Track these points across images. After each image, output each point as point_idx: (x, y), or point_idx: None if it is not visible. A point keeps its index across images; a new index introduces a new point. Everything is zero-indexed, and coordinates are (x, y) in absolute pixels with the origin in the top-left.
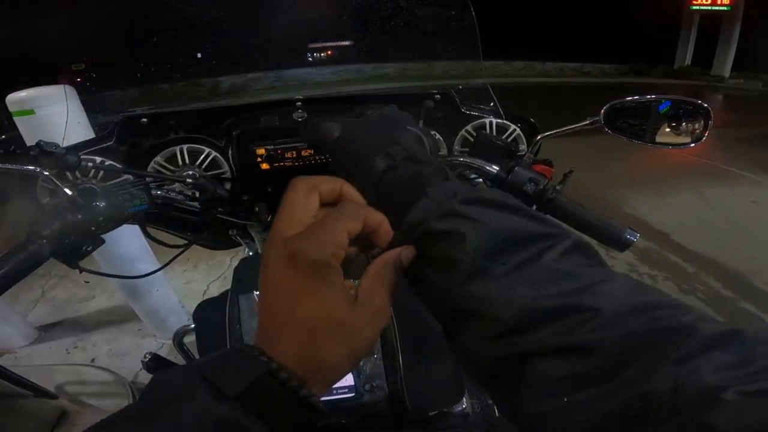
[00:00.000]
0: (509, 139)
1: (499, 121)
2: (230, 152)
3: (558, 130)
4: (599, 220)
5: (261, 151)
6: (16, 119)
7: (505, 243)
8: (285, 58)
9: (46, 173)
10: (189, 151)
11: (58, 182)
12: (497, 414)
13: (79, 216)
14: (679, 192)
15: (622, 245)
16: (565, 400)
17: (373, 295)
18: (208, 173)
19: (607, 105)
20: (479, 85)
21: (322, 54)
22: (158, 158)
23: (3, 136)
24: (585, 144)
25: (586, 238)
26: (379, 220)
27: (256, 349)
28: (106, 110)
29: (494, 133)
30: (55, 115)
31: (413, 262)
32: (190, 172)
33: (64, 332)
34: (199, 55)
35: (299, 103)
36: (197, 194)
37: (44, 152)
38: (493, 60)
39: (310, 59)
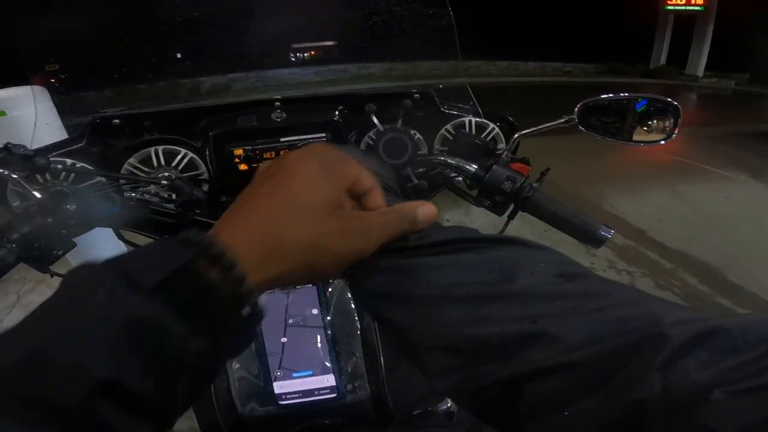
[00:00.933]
0: (488, 138)
1: (478, 119)
2: (207, 153)
3: (535, 129)
4: (575, 217)
5: (239, 151)
6: None
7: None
8: (267, 59)
9: (15, 176)
10: (164, 152)
11: (26, 185)
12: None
13: (49, 219)
14: (654, 189)
15: (598, 242)
16: (565, 414)
17: (363, 217)
18: (185, 174)
19: (581, 103)
20: (459, 85)
21: (305, 54)
22: (132, 160)
23: None
24: (562, 143)
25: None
26: (369, 185)
27: (194, 233)
28: (80, 112)
29: (473, 131)
30: (27, 116)
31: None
32: (166, 174)
33: None
34: (179, 56)
35: (278, 103)
36: (173, 196)
37: (12, 154)
38: (476, 60)
39: (293, 59)
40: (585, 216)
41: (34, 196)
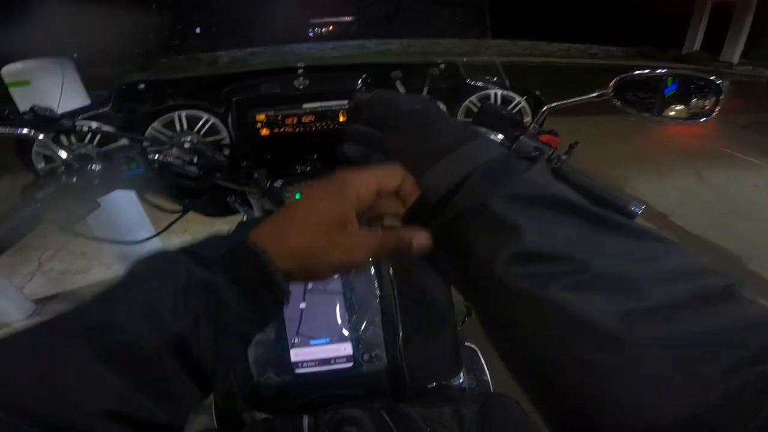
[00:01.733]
0: (514, 111)
1: (504, 92)
2: (229, 118)
3: (565, 102)
4: (604, 191)
5: (261, 116)
6: (11, 90)
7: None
8: (285, 33)
9: (41, 137)
10: (187, 117)
11: (53, 146)
12: (491, 389)
13: (74, 180)
14: (680, 174)
15: (628, 216)
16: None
17: (359, 236)
18: (207, 139)
19: (618, 77)
20: (486, 62)
21: (323, 29)
22: (156, 124)
23: None
24: (588, 125)
25: None
26: (398, 179)
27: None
28: (103, 84)
29: (499, 104)
30: (51, 85)
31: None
32: (188, 138)
33: (60, 306)
34: (197, 30)
35: (301, 71)
36: (195, 159)
37: (39, 116)
38: (498, 39)
39: (311, 34)
40: (615, 190)
41: (60, 156)
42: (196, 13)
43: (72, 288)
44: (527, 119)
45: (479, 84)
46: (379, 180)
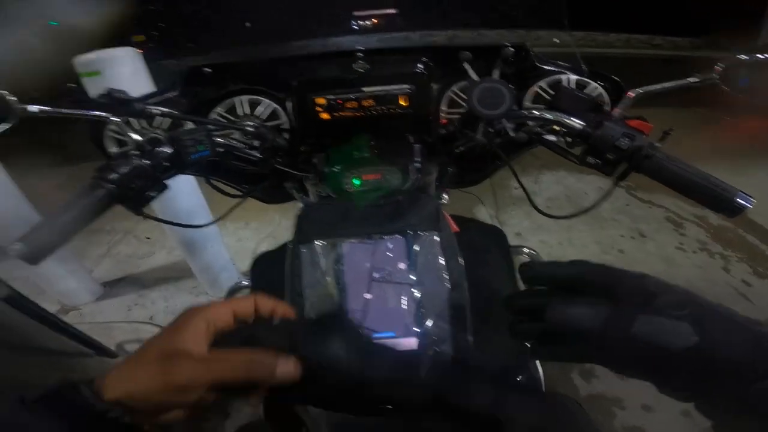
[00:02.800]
0: (593, 95)
1: (578, 77)
2: (289, 103)
3: (656, 86)
4: (706, 180)
5: (321, 101)
6: (83, 80)
7: None
8: (330, 26)
9: (116, 119)
10: (249, 102)
11: (126, 127)
12: (543, 389)
13: (145, 161)
14: (762, 169)
15: (734, 210)
16: None
17: (198, 361)
18: (267, 124)
19: (726, 62)
20: (555, 47)
21: (368, 22)
22: (218, 109)
23: (73, 84)
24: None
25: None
26: (251, 306)
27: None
28: (164, 75)
29: (574, 87)
30: (121, 76)
31: None
32: (250, 123)
33: (126, 289)
34: (247, 24)
35: (360, 54)
36: (256, 143)
37: (113, 99)
38: (548, 29)
39: (356, 27)
40: (718, 180)
41: (132, 138)
42: (245, 8)
43: (137, 271)
44: (606, 106)
45: (549, 68)
46: (233, 307)
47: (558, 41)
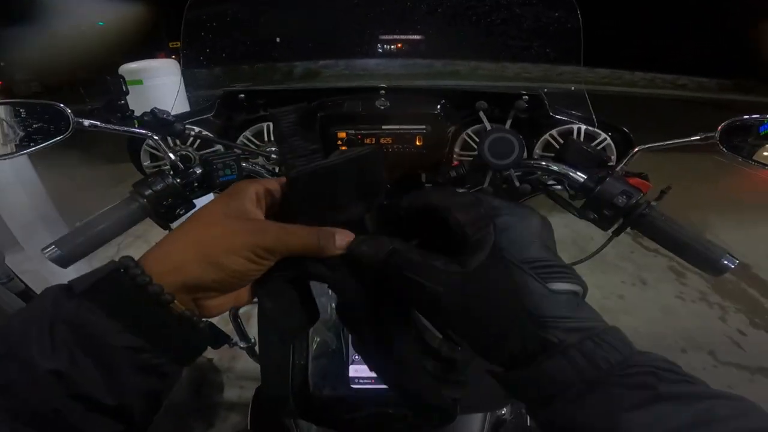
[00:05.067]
0: (599, 148)
1: (588, 128)
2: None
3: (661, 144)
4: (696, 241)
5: (342, 134)
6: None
7: None
8: (356, 48)
9: (155, 137)
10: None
11: (164, 147)
12: (528, 423)
13: (178, 180)
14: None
15: (718, 270)
16: None
17: (272, 224)
18: None
19: (726, 122)
20: (576, 91)
21: (393, 46)
22: (247, 133)
23: (122, 101)
24: (669, 161)
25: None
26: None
27: (127, 257)
28: (198, 85)
29: (582, 140)
30: (161, 86)
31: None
32: (274, 149)
33: None
34: (278, 40)
35: (383, 91)
36: (277, 170)
37: (157, 118)
38: (573, 65)
39: (380, 50)
40: (707, 241)
41: (169, 157)
42: (277, 24)
43: None
44: (612, 158)
45: (562, 117)
46: (279, 182)
47: (573, 88)
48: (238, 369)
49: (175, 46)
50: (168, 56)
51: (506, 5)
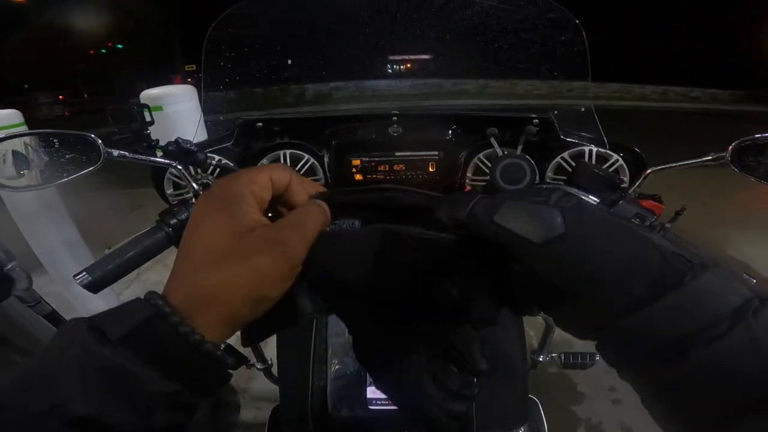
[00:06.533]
0: (610, 170)
1: (600, 149)
2: (326, 160)
3: (672, 165)
4: (712, 260)
5: (356, 162)
6: (145, 113)
7: None
8: (366, 69)
9: (179, 167)
10: (291, 157)
11: (188, 176)
12: None
13: None
14: None
15: None
16: None
17: (276, 227)
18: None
19: (736, 142)
20: (581, 112)
21: (402, 67)
22: (264, 160)
23: (147, 131)
24: (683, 177)
25: None
26: (282, 185)
27: (155, 294)
28: (214, 110)
29: (594, 162)
30: (180, 112)
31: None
32: None
33: None
34: (289, 62)
35: (395, 118)
36: None
37: (181, 148)
38: (581, 80)
39: (390, 71)
40: (724, 258)
41: (192, 186)
42: (294, 49)
43: None
44: (625, 179)
45: (573, 140)
46: (270, 173)
47: (583, 109)
48: (254, 390)
49: (190, 68)
50: (183, 79)
51: (513, 30)
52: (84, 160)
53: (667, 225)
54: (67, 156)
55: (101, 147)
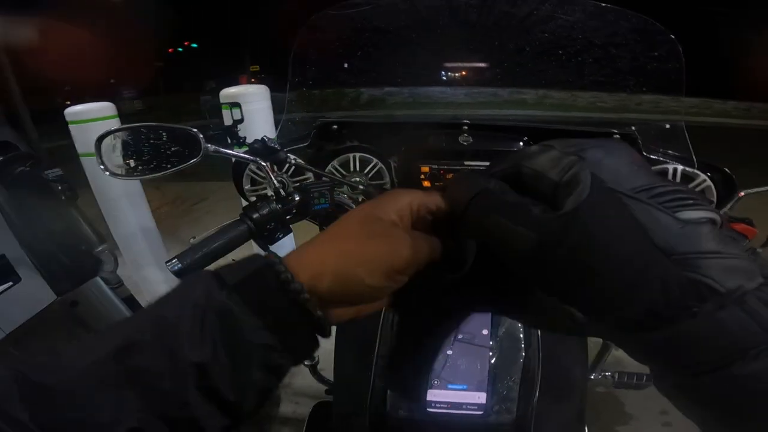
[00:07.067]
0: (696, 190)
1: (686, 168)
2: (394, 165)
3: (767, 188)
4: None
5: (425, 169)
6: (224, 110)
7: None
8: (420, 76)
9: (263, 164)
10: (360, 160)
11: (270, 173)
12: None
13: (279, 206)
14: None
15: None
16: None
17: (417, 235)
18: (372, 182)
19: None
20: (666, 129)
21: (457, 74)
22: (335, 162)
23: (237, 129)
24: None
25: None
26: (440, 203)
27: (274, 255)
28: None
29: (678, 181)
30: (255, 111)
31: None
32: (359, 179)
33: None
34: (345, 65)
35: (466, 127)
36: (361, 200)
37: (266, 146)
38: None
39: (444, 78)
40: None
41: (273, 183)
42: (345, 53)
43: None
44: (713, 200)
45: (657, 157)
46: (433, 197)
47: (668, 126)
48: (296, 385)
49: (255, 69)
50: (248, 79)
51: (600, 46)
52: (186, 153)
53: (759, 250)
54: (172, 149)
55: (202, 141)
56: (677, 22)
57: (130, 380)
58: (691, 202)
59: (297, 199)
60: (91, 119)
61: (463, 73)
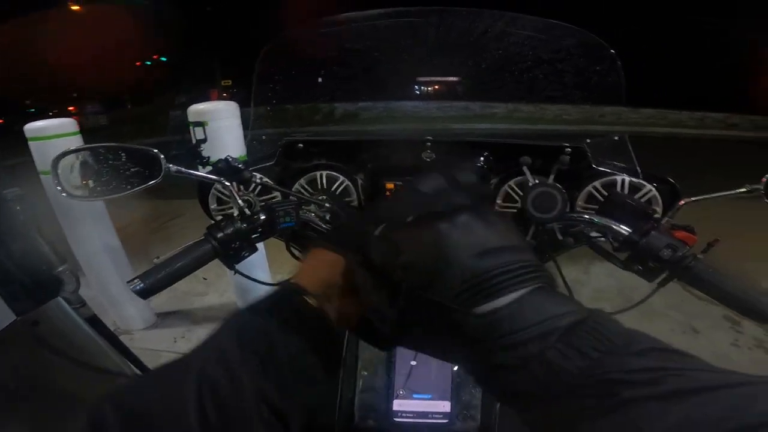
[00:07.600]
0: (642, 200)
1: (633, 179)
2: (360, 182)
3: (707, 196)
4: (746, 293)
5: (390, 185)
6: (191, 128)
7: None
8: (394, 91)
9: (227, 184)
10: (327, 178)
11: (234, 193)
12: None
13: (244, 225)
14: None
15: (766, 320)
16: None
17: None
18: (339, 200)
19: None
20: (614, 140)
21: (430, 89)
22: (302, 181)
23: (201, 148)
24: (719, 207)
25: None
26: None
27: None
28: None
29: (626, 192)
30: (223, 128)
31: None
32: (325, 197)
33: (176, 322)
34: (319, 80)
35: (429, 143)
36: (328, 217)
37: (230, 166)
38: (614, 105)
39: (418, 92)
40: (755, 292)
41: (238, 203)
42: (310, 68)
43: (189, 307)
44: (658, 209)
45: (605, 169)
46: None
47: (617, 138)
48: None
49: (226, 83)
50: (220, 93)
51: (548, 60)
52: (147, 174)
53: (699, 256)
54: (132, 169)
55: (163, 162)
56: (633, 35)
57: (204, 404)
58: (509, 282)
59: (262, 218)
60: (52, 136)
61: (436, 87)
